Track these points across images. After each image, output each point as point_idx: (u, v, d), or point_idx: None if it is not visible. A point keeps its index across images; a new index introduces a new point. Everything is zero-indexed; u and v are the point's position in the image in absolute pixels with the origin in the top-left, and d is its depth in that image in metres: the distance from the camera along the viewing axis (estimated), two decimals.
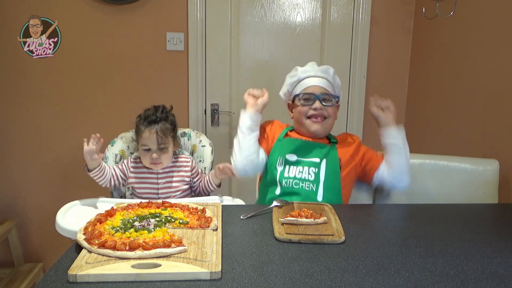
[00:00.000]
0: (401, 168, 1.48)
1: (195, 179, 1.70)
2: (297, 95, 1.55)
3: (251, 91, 1.62)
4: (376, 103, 1.54)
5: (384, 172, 1.51)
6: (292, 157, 1.49)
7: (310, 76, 1.56)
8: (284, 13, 2.46)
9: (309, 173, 1.46)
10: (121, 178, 1.64)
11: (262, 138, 1.59)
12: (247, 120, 1.53)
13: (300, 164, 1.48)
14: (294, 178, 1.46)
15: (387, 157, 1.51)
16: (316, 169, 1.46)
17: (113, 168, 1.63)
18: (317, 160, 1.48)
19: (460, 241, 1.06)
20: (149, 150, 1.58)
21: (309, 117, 1.52)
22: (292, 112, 1.61)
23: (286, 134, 1.58)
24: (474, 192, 1.62)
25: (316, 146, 1.52)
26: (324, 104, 1.51)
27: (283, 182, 1.47)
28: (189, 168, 1.68)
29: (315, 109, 1.50)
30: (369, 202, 1.67)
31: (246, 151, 1.50)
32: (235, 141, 1.54)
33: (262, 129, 1.61)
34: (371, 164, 1.55)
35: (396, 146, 1.49)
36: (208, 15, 2.40)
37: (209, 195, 1.67)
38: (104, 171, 1.55)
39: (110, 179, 1.60)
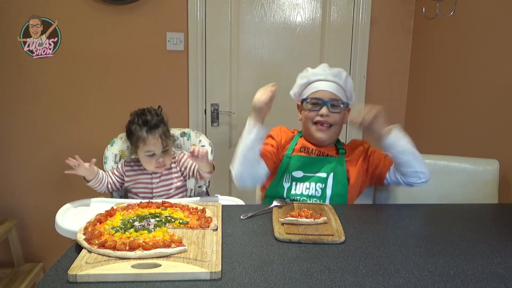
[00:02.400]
0: (414, 169, 1.39)
1: (186, 171, 1.69)
2: (305, 99, 1.49)
3: (267, 92, 1.37)
4: (362, 117, 1.38)
5: (396, 176, 1.44)
6: (299, 174, 1.45)
7: (320, 80, 1.48)
8: (284, 13, 2.46)
9: (316, 189, 1.42)
10: (118, 183, 1.68)
11: (268, 148, 1.49)
12: (253, 134, 1.37)
13: (306, 180, 1.44)
14: (301, 195, 1.43)
15: (396, 165, 1.43)
16: (323, 184, 1.43)
17: (110, 175, 1.66)
18: (323, 175, 1.44)
19: (460, 241, 1.06)
20: (153, 155, 1.58)
21: (315, 123, 1.47)
22: (300, 114, 1.55)
23: (294, 148, 1.51)
24: (474, 192, 1.62)
25: (323, 160, 1.47)
26: (331, 110, 1.44)
27: (290, 200, 1.43)
28: (176, 164, 1.69)
29: (321, 115, 1.44)
30: (369, 202, 1.67)
31: (248, 164, 1.39)
32: (237, 151, 1.42)
33: (269, 139, 1.53)
34: (379, 170, 1.49)
35: (402, 153, 1.39)
36: (208, 15, 2.40)
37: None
38: (102, 181, 1.61)
39: (107, 186, 1.65)
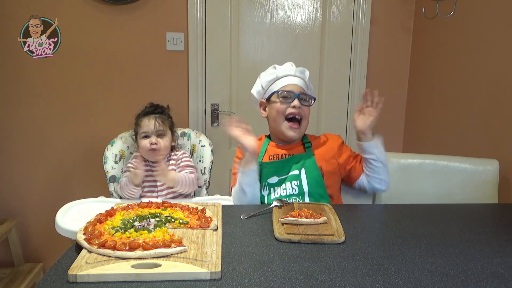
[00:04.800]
0: (379, 177, 1.48)
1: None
2: (276, 91, 1.51)
3: (237, 126, 1.46)
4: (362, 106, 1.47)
5: (364, 182, 1.52)
6: (274, 180, 1.48)
7: (289, 75, 1.53)
8: (284, 13, 2.46)
9: (292, 188, 1.45)
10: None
11: None
12: (251, 177, 1.43)
13: (282, 182, 1.47)
14: (280, 197, 1.44)
15: (366, 170, 1.50)
16: (298, 181, 1.45)
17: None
18: (296, 172, 1.47)
19: (460, 241, 1.06)
20: (147, 137, 1.66)
21: (287, 118, 1.49)
22: (264, 111, 1.57)
23: (264, 156, 1.54)
24: (474, 192, 1.62)
25: (293, 159, 1.49)
26: (302, 103, 1.48)
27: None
28: (179, 161, 1.71)
29: (293, 107, 1.47)
30: (369, 202, 1.67)
31: (253, 201, 1.44)
32: (237, 192, 1.45)
33: (240, 156, 1.55)
34: (353, 173, 1.54)
35: (374, 161, 1.46)
36: (208, 15, 2.40)
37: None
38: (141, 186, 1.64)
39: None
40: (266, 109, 1.57)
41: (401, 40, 2.53)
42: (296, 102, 1.47)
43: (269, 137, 1.61)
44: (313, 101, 1.53)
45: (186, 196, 1.69)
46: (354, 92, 2.55)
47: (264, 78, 1.56)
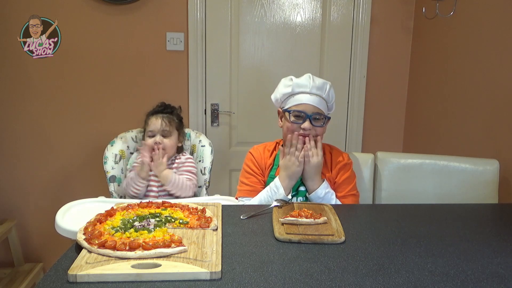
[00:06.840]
0: None
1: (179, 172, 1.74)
2: (288, 111, 1.47)
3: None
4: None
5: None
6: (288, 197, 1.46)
7: (304, 92, 1.46)
8: (284, 13, 2.46)
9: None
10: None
11: (258, 179, 1.52)
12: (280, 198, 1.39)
13: (292, 198, 1.46)
14: None
15: None
16: (303, 198, 1.46)
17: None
18: (303, 188, 1.47)
19: (460, 241, 1.06)
20: (152, 136, 1.68)
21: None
22: (281, 121, 1.54)
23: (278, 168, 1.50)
24: (474, 192, 1.62)
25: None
26: (314, 124, 1.44)
27: None
28: (181, 165, 1.71)
29: (303, 129, 1.44)
30: (369, 202, 1.67)
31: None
32: (255, 201, 1.45)
33: (254, 168, 1.53)
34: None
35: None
36: (208, 15, 2.40)
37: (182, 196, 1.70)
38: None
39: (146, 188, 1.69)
40: (282, 119, 1.53)
41: (401, 40, 2.53)
42: (306, 125, 1.43)
43: (283, 145, 1.56)
44: (326, 121, 1.48)
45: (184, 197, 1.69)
46: (354, 92, 2.55)
47: (281, 89, 1.51)
